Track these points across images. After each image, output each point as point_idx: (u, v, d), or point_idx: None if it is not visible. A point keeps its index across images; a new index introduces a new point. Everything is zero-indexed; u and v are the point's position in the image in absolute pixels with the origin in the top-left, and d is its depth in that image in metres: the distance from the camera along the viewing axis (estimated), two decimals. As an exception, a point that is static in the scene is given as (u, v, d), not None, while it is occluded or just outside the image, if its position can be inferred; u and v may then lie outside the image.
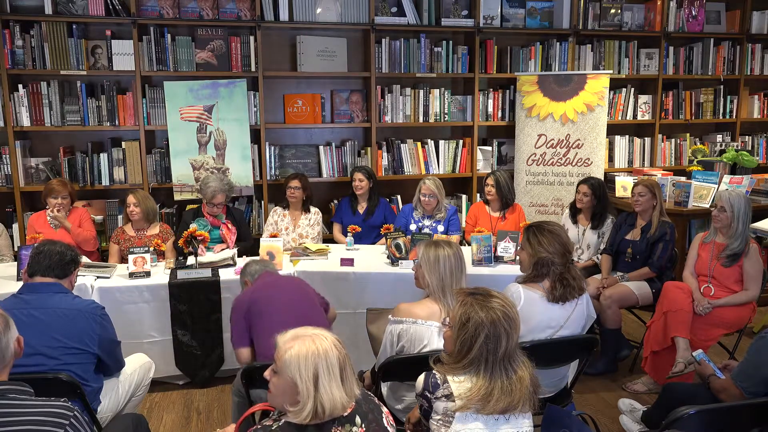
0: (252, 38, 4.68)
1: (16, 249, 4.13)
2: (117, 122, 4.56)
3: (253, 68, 4.70)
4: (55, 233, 3.93)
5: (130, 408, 2.77)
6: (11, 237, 4.34)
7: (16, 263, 3.59)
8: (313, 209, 4.50)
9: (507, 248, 3.74)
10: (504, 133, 5.44)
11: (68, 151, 4.59)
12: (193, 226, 3.75)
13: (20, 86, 4.38)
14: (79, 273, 2.86)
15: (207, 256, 3.75)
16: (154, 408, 3.45)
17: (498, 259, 3.73)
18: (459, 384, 1.88)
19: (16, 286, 3.04)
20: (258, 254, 3.73)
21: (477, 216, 4.49)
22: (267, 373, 1.74)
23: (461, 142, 5.24)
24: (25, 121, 4.41)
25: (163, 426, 3.27)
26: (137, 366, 2.84)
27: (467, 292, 2.00)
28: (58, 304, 2.49)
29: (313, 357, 1.64)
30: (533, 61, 5.28)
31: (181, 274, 3.55)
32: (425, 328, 2.44)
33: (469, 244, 3.76)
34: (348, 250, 4.04)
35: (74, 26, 4.38)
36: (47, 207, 3.99)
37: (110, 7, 4.41)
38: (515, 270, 3.30)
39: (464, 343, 1.90)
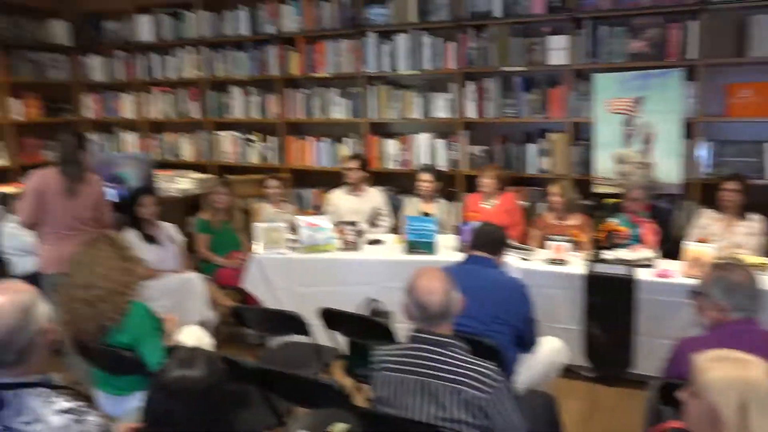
0: (694, 23, 4.36)
1: (456, 224, 4.80)
2: (547, 114, 4.84)
3: (691, 55, 4.39)
4: (488, 213, 4.42)
5: (541, 385, 2.97)
6: (453, 212, 5.02)
7: (456, 236, 4.16)
8: (756, 216, 3.98)
9: None
10: None
11: (503, 140, 5.08)
12: (613, 221, 3.75)
13: (470, 82, 5.02)
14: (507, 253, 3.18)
15: (625, 254, 3.71)
16: (560, 393, 3.58)
17: None
18: None
19: (453, 255, 3.64)
20: (678, 258, 3.52)
21: None
22: (682, 394, 1.63)
23: None
24: (471, 113, 5.05)
25: (566, 412, 3.37)
26: (551, 348, 3.03)
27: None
28: (490, 276, 2.83)
29: (740, 384, 1.48)
30: None
31: (597, 267, 3.60)
32: None
33: None
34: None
35: (517, 26, 4.81)
36: (480, 188, 4.54)
37: (551, 4, 4.67)
38: None
39: None
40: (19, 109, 6.07)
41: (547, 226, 4.31)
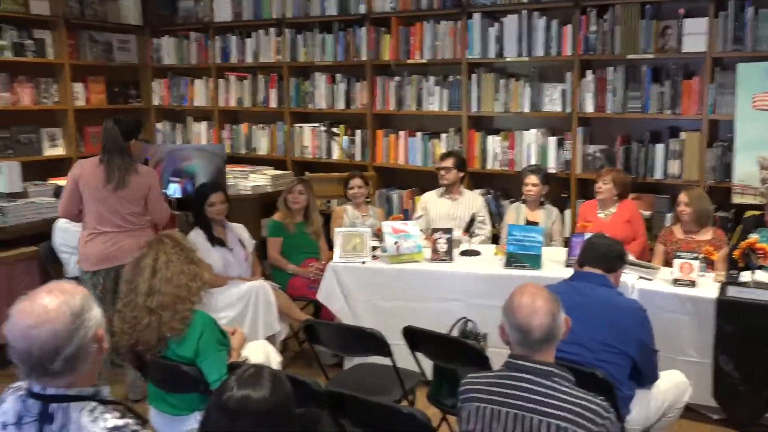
0: None
1: (567, 235, 4.81)
2: (678, 110, 4.76)
3: None
4: (604, 223, 4.41)
5: (659, 428, 2.97)
6: (563, 222, 5.02)
7: (565, 249, 4.18)
8: None
9: None
10: None
11: (625, 139, 5.04)
12: (753, 237, 3.67)
13: (588, 72, 5.02)
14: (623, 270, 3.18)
15: (766, 276, 3.62)
16: (682, 436, 3.55)
17: None
18: None
19: (562, 271, 3.68)
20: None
21: None
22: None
23: None
24: (589, 108, 5.04)
25: (687, 458, 3.35)
26: (672, 384, 3.01)
27: None
28: (603, 296, 2.84)
29: None
30: None
31: (732, 291, 3.54)
32: None
33: None
34: None
35: (647, 6, 4.77)
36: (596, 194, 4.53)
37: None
38: None
39: None
40: (81, 95, 6.43)
41: (674, 240, 4.26)
